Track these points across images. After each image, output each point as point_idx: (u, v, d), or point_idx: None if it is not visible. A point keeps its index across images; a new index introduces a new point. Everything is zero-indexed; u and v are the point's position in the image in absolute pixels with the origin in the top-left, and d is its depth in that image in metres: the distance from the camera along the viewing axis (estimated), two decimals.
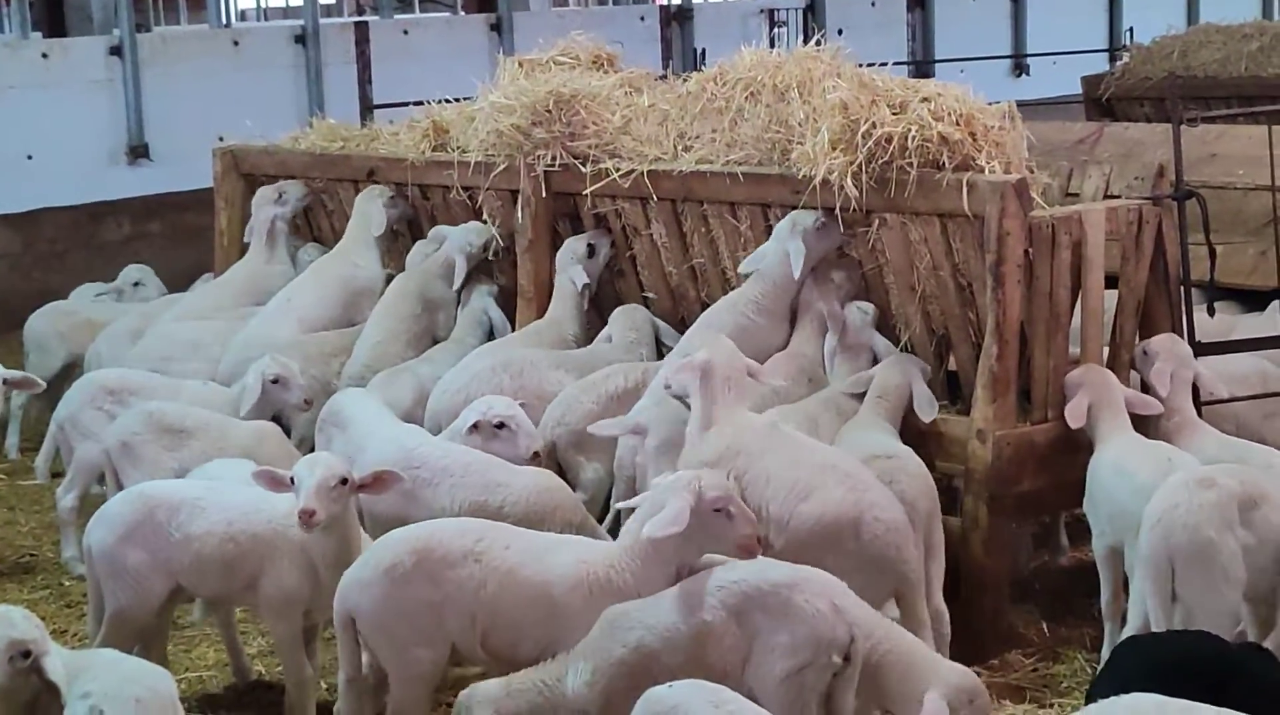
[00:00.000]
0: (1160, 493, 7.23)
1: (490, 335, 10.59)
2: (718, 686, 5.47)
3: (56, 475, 11.50)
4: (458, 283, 10.79)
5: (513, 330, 10.53)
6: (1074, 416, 8.28)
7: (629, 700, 6.01)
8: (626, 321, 10.05)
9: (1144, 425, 8.42)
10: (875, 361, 9.00)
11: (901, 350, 9.07)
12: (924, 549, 7.79)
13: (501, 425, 8.81)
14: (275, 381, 9.82)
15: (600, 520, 9.00)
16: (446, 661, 7.05)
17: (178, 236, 17.00)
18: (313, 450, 9.19)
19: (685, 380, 8.20)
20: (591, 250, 10.28)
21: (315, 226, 12.38)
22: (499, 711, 6.41)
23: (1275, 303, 10.36)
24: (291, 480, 7.24)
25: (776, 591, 6.19)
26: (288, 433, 10.04)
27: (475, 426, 8.75)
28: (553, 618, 6.73)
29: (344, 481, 7.22)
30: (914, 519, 7.87)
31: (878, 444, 8.28)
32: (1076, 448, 8.31)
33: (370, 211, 11.38)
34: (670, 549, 6.63)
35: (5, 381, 9.97)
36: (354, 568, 7.08)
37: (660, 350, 9.93)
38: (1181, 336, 8.92)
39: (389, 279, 11.23)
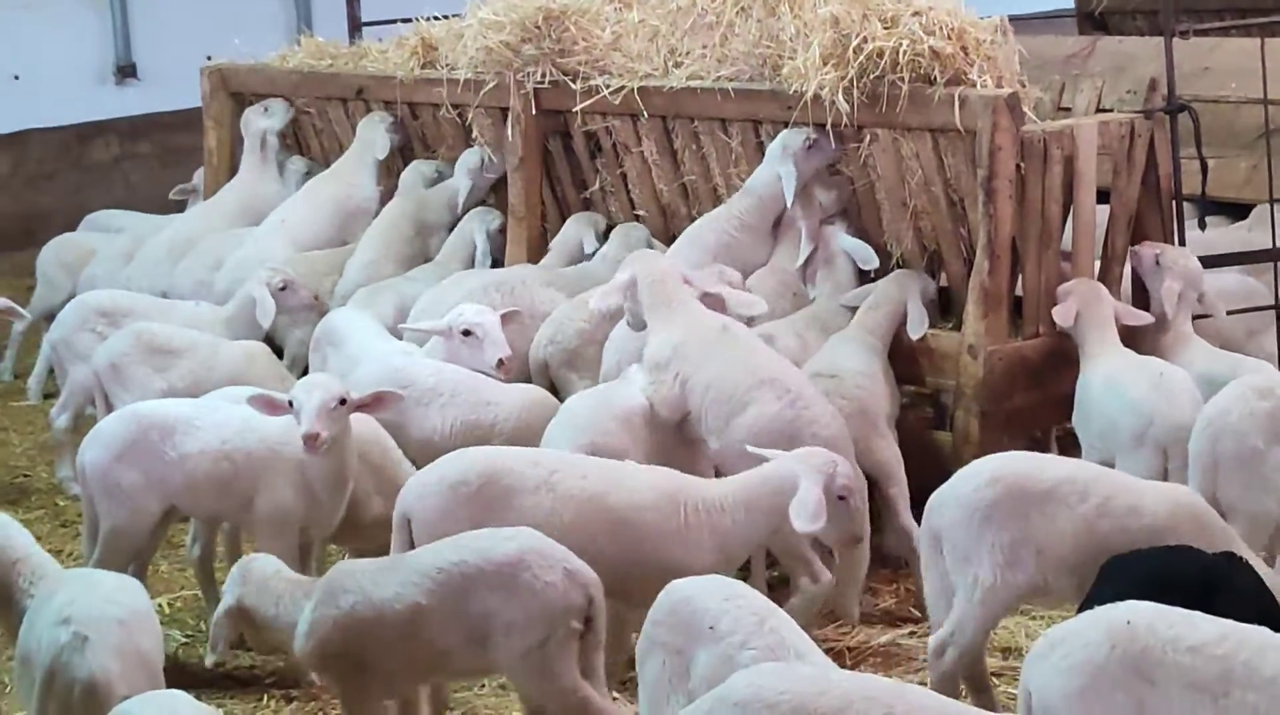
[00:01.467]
0: (1218, 396, 7.25)
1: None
2: (735, 581, 5.48)
3: (50, 397, 11.53)
4: (461, 203, 10.77)
5: (504, 250, 10.52)
6: (1062, 316, 8.29)
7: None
8: (621, 240, 10.02)
9: (1136, 338, 8.43)
10: (860, 276, 8.98)
11: (894, 267, 9.06)
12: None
13: (468, 332, 8.76)
14: (283, 288, 9.84)
15: None
16: None
17: (167, 157, 16.92)
18: (306, 371, 9.20)
19: (612, 303, 8.24)
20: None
21: (304, 145, 12.33)
22: (244, 595, 6.32)
23: (1255, 211, 10.32)
24: (290, 403, 7.21)
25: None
26: (279, 354, 10.05)
27: (444, 334, 8.74)
28: (638, 543, 6.69)
29: (343, 402, 7.20)
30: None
31: (839, 360, 8.31)
32: (1068, 362, 8.32)
33: (374, 138, 11.33)
34: (779, 513, 6.62)
35: None
36: (424, 472, 7.04)
37: None
38: None
39: (385, 200, 11.21)
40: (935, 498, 6.60)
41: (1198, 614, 5.06)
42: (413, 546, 6.73)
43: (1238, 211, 10.77)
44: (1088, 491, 6.39)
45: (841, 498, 6.63)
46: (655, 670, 5.25)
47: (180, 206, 13.06)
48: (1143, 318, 8.45)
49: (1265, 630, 5.01)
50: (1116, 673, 4.92)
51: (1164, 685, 4.88)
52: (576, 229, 10.28)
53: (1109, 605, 5.19)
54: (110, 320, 10.01)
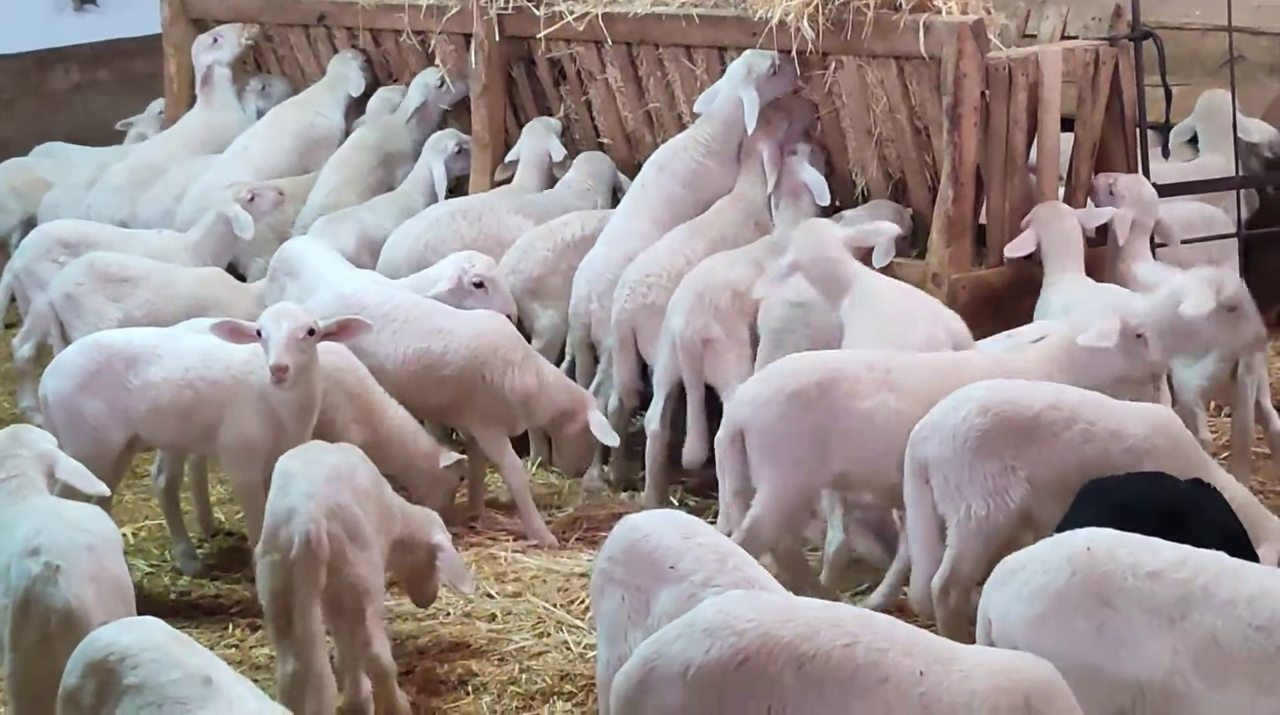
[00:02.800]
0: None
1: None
2: (691, 518, 5.50)
3: (10, 326, 11.46)
4: (409, 117, 10.70)
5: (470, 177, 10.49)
6: (1016, 247, 8.31)
7: None
8: (587, 168, 10.00)
9: (1096, 266, 8.46)
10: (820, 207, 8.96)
11: (859, 197, 9.07)
12: None
13: (480, 284, 8.83)
14: (251, 199, 9.81)
15: (557, 365, 9.04)
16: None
17: (127, 84, 16.68)
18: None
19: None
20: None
21: (265, 71, 12.21)
22: None
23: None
24: (258, 333, 7.16)
25: None
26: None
27: (453, 283, 8.74)
28: None
29: (311, 332, 7.16)
30: None
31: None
32: (1033, 291, 8.34)
33: (346, 73, 11.25)
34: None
35: None
36: (753, 384, 7.01)
37: (616, 197, 9.88)
38: None
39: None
40: (921, 429, 6.56)
41: (1158, 540, 5.12)
42: (744, 461, 6.73)
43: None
44: (1073, 417, 6.39)
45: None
46: (613, 606, 5.25)
47: (122, 138, 12.96)
48: (1105, 215, 8.46)
49: (1223, 555, 5.07)
50: (1076, 598, 4.97)
51: (1124, 609, 4.93)
52: (537, 138, 10.19)
53: (1069, 532, 5.24)
54: (72, 250, 9.94)
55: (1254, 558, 5.66)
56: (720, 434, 7.04)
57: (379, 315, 8.36)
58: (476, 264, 8.88)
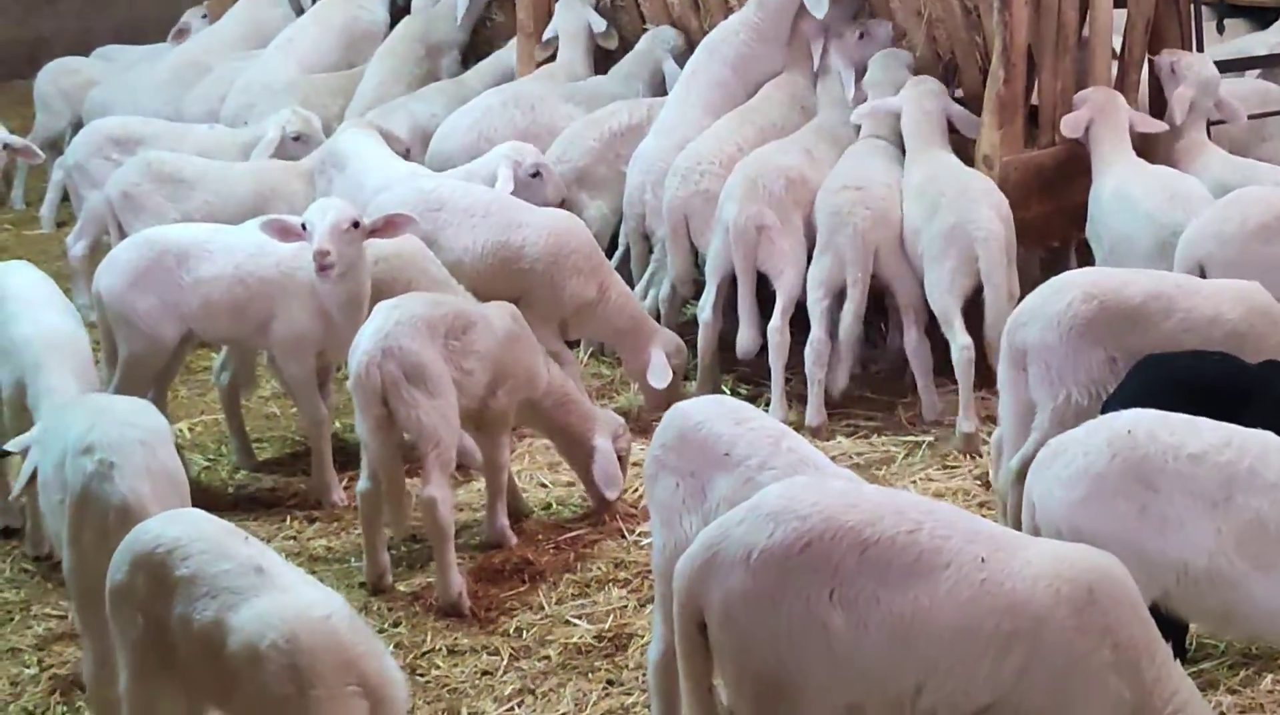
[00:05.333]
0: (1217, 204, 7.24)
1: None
2: (742, 404, 5.49)
3: (62, 225, 11.56)
4: (461, 15, 10.64)
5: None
6: (1071, 126, 8.21)
7: None
8: (648, 46, 9.95)
9: (1151, 147, 8.35)
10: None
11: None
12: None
13: (537, 173, 8.92)
14: (296, 138, 9.80)
15: (608, 255, 9.03)
16: None
17: None
18: None
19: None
20: None
21: None
22: None
23: None
24: (303, 227, 7.21)
25: None
26: None
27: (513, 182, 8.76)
28: None
29: (356, 225, 7.20)
30: (864, 252, 8.06)
31: (863, 171, 8.26)
32: (1085, 172, 8.25)
33: None
34: None
35: (6, 146, 9.89)
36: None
37: (666, 86, 9.81)
38: None
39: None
40: (1021, 314, 6.45)
41: (1203, 421, 5.07)
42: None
43: (1256, 15, 10.59)
44: (1172, 306, 6.25)
45: None
46: (667, 493, 5.23)
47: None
48: (1157, 125, 8.36)
49: (1269, 435, 5.02)
50: (1117, 481, 4.95)
51: (1166, 492, 4.91)
52: (573, 11, 10.11)
53: (1115, 414, 5.21)
54: (124, 147, 9.99)
55: None
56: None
57: (458, 210, 8.39)
58: (526, 154, 8.89)
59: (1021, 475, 6.17)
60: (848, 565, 4.24)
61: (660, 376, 8.30)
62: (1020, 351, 6.40)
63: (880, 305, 8.64)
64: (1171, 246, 7.41)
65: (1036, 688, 4.14)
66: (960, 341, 7.96)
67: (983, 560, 4.24)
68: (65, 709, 6.09)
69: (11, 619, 6.77)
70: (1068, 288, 6.38)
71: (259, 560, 4.69)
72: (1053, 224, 8.65)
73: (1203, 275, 6.84)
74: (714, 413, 5.28)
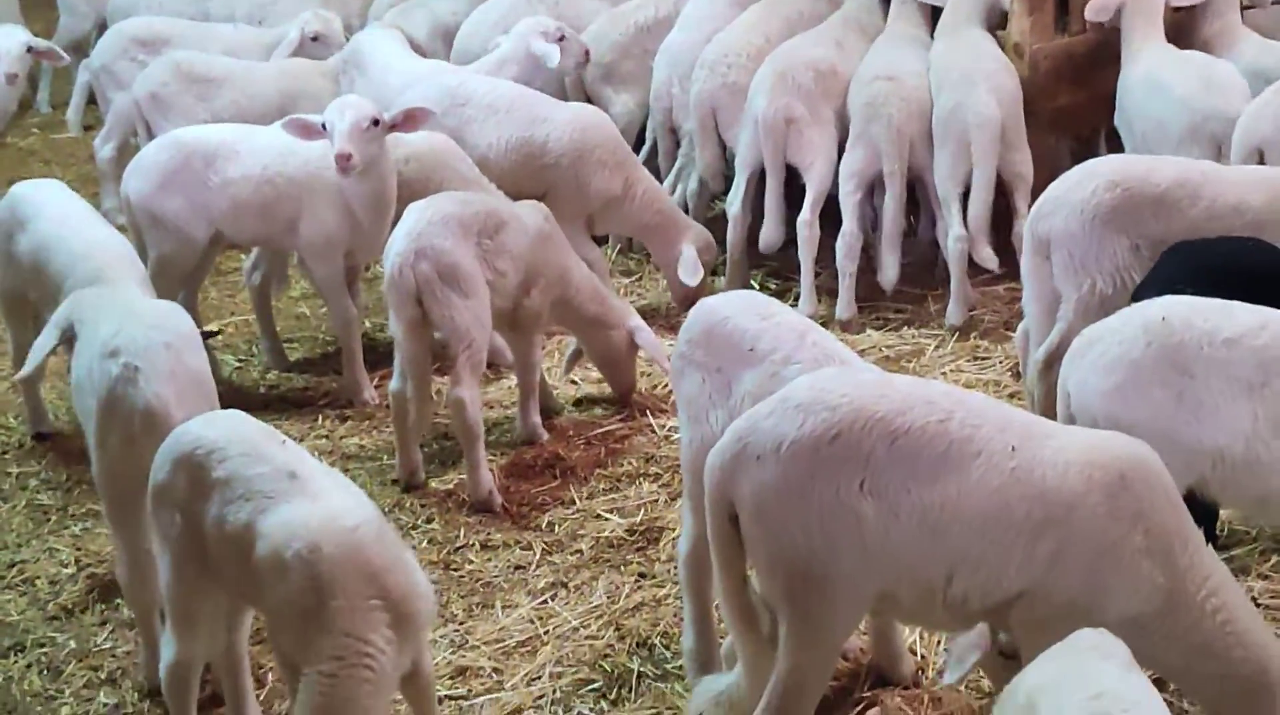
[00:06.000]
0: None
1: None
2: (768, 298, 5.46)
3: (89, 128, 11.53)
4: None
5: None
6: (1097, 9, 8.09)
7: None
8: None
9: (1183, 33, 8.24)
10: None
11: None
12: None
13: (563, 37, 8.91)
14: (315, 39, 9.74)
15: (635, 150, 8.98)
16: None
17: None
18: None
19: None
20: None
21: None
22: None
23: None
24: (323, 126, 7.18)
25: None
26: None
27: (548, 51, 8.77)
28: None
29: (376, 122, 7.16)
30: (899, 143, 7.98)
31: (895, 62, 8.18)
32: (1115, 59, 8.14)
33: None
34: None
35: (30, 49, 9.84)
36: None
37: None
38: None
39: None
40: (1045, 203, 6.39)
41: (1237, 305, 5.02)
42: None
43: None
44: (1198, 193, 6.16)
45: None
46: (694, 388, 5.23)
47: None
48: None
49: None
50: (1153, 368, 4.92)
51: (1202, 378, 4.88)
52: None
53: (1145, 302, 5.17)
54: (149, 48, 9.95)
55: None
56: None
57: (483, 105, 8.36)
58: (545, 25, 8.91)
59: (1049, 365, 6.17)
60: (878, 455, 4.23)
61: (691, 272, 8.28)
62: (1044, 241, 6.34)
63: (911, 196, 8.58)
64: (1204, 132, 7.34)
65: (1069, 575, 4.14)
66: (955, 231, 7.95)
67: (1013, 448, 4.23)
68: (104, 607, 6.14)
69: (48, 520, 6.83)
70: (1092, 175, 6.31)
71: (294, 465, 4.70)
72: (1083, 113, 8.56)
73: (1261, 161, 6.76)
74: (739, 308, 5.26)
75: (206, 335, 6.96)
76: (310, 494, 4.61)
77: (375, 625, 4.41)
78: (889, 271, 8.25)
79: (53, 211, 6.93)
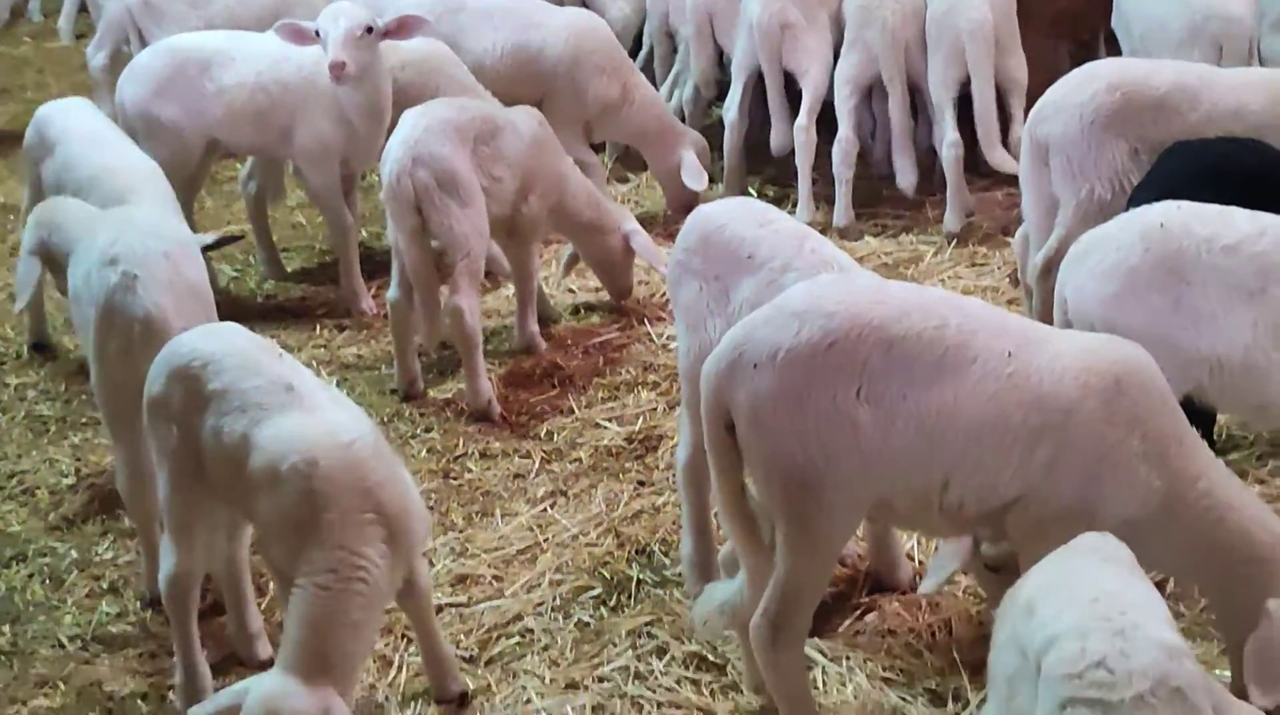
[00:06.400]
0: None
1: None
2: (765, 205, 5.44)
3: (81, 37, 11.44)
4: None
5: None
6: None
7: None
8: None
9: None
10: None
11: None
12: None
13: None
14: None
15: (631, 56, 8.92)
16: None
17: None
18: None
19: None
20: None
21: None
22: None
23: None
24: (316, 33, 7.12)
25: None
26: None
27: None
28: None
29: (370, 30, 7.10)
30: (895, 48, 8.03)
31: None
32: None
33: None
34: None
35: None
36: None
37: None
38: None
39: None
40: (1042, 108, 6.34)
41: (1236, 210, 5.00)
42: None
43: None
44: (1197, 97, 6.11)
45: None
46: (692, 296, 5.22)
47: None
48: None
49: None
50: (1150, 274, 4.91)
51: (1200, 285, 4.86)
52: None
53: (1143, 208, 5.15)
54: None
55: None
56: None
57: (478, 11, 8.30)
58: None
59: (1047, 271, 6.16)
60: (874, 362, 4.23)
61: (695, 177, 8.25)
62: (1043, 145, 6.30)
63: (910, 103, 8.53)
64: (1204, 33, 7.27)
65: (1066, 480, 4.15)
66: (950, 137, 7.91)
67: (1009, 354, 4.23)
68: (105, 517, 6.17)
69: (48, 431, 6.84)
70: (1091, 79, 6.26)
71: (291, 378, 4.70)
72: (1082, 15, 8.52)
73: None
74: (736, 215, 5.24)
75: (227, 240, 6.98)
76: (307, 407, 4.61)
77: (370, 540, 4.43)
78: (906, 176, 8.23)
79: (80, 132, 6.88)
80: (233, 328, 5.06)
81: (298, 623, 4.37)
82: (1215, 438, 5.68)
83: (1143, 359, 4.28)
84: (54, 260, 6.08)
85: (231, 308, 7.07)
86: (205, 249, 6.34)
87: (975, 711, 4.46)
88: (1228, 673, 4.56)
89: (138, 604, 5.66)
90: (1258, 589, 4.17)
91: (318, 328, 7.65)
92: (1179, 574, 4.55)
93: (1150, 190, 5.52)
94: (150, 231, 5.62)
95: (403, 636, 5.16)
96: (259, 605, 5.31)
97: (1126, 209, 5.45)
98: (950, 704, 4.64)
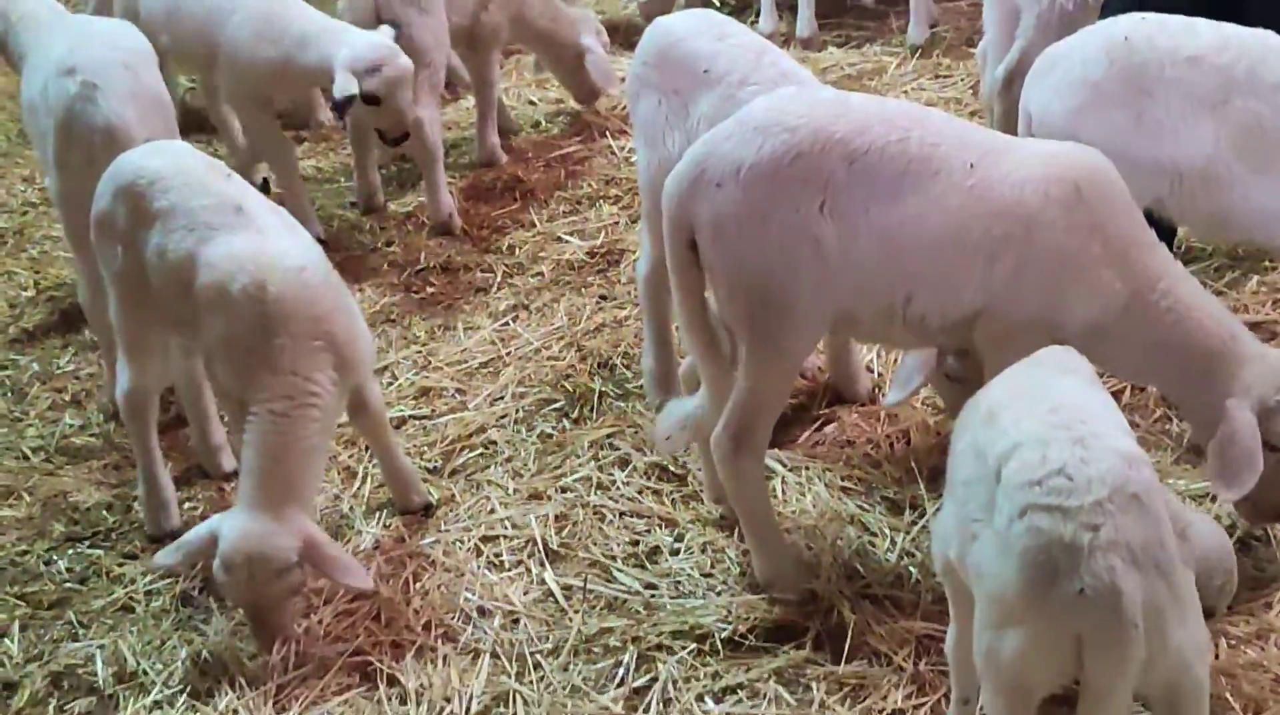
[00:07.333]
0: None
1: None
2: (724, 18, 5.31)
3: None
4: None
5: None
6: None
7: None
8: None
9: None
10: None
11: None
12: None
13: None
14: None
15: None
16: None
17: None
18: None
19: None
20: None
21: None
22: None
23: None
24: None
25: None
26: None
27: None
28: None
29: None
30: None
31: None
32: None
33: None
34: None
35: None
36: None
37: None
38: None
39: None
40: None
41: (1202, 21, 4.96)
42: None
43: None
44: None
45: None
46: (650, 109, 5.17)
47: None
48: None
49: (1270, 34, 4.90)
50: (1114, 88, 4.87)
51: (1163, 98, 4.84)
52: None
53: (1109, 21, 5.10)
54: None
55: None
56: None
57: None
58: None
59: (1009, 83, 6.14)
60: (838, 176, 4.21)
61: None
62: None
63: None
64: None
65: (1029, 289, 4.17)
66: None
67: (971, 166, 4.22)
68: (66, 330, 6.16)
69: (4, 244, 6.79)
70: None
71: (240, 199, 4.65)
72: None
73: None
74: (695, 29, 5.17)
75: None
76: (258, 229, 4.57)
77: (321, 366, 4.44)
78: None
79: None
80: (181, 146, 5.01)
81: (257, 453, 4.40)
82: (1175, 251, 5.71)
83: (1101, 164, 4.27)
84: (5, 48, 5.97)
85: (189, 120, 6.96)
86: None
87: (931, 518, 4.52)
88: (1182, 481, 4.66)
89: (100, 416, 5.68)
90: (1215, 385, 4.23)
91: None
92: (1141, 376, 4.62)
93: (1121, 2, 5.45)
94: (108, 41, 5.52)
95: (367, 448, 5.20)
96: (222, 418, 5.33)
97: (1101, 18, 5.39)
98: (907, 512, 4.71)
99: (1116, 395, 4.75)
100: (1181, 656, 3.25)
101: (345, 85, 6.00)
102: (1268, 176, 4.80)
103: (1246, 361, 4.22)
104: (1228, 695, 3.89)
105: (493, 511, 4.94)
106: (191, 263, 4.54)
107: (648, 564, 4.65)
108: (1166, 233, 5.07)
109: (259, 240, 4.53)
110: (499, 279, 6.36)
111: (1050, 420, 3.33)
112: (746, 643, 4.27)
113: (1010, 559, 3.20)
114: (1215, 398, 4.20)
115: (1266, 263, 5.75)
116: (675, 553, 4.67)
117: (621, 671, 4.23)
